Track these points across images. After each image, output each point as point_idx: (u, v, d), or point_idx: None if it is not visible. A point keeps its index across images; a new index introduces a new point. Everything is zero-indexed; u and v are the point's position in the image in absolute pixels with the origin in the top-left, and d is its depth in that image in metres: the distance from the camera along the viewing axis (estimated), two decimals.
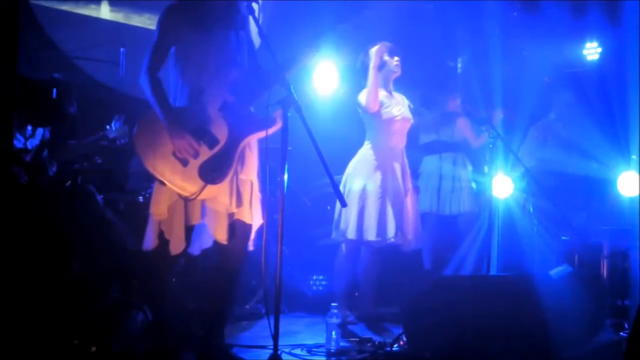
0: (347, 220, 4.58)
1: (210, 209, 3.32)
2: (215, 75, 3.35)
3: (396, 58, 4.73)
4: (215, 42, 3.36)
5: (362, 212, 4.53)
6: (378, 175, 4.59)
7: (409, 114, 4.80)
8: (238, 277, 3.56)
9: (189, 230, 3.34)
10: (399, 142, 4.74)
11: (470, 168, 5.51)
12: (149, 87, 3.26)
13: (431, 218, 5.44)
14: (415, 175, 5.59)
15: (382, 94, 4.71)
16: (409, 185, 4.78)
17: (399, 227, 4.57)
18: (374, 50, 4.62)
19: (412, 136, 5.68)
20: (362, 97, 4.66)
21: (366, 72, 4.64)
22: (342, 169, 4.85)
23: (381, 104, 4.66)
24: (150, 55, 3.31)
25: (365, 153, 4.70)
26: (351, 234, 4.54)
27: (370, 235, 4.51)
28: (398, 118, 4.69)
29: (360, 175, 4.61)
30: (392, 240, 4.56)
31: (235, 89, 3.39)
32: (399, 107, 4.75)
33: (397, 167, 4.68)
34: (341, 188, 4.58)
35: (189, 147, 3.21)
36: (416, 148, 5.62)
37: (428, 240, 5.44)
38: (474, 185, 5.46)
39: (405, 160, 4.79)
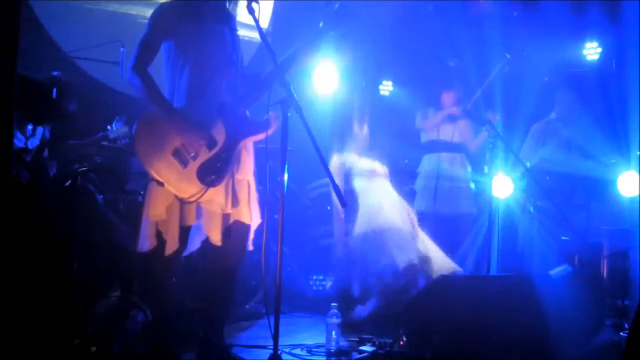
0: None
1: (206, 209, 3.32)
2: (214, 74, 3.34)
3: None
4: (211, 37, 3.35)
5: None
6: None
7: None
8: (236, 276, 3.55)
9: (185, 231, 3.32)
10: None
11: (469, 169, 5.50)
12: (143, 85, 3.22)
13: (427, 218, 5.44)
14: (414, 175, 5.59)
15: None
16: None
17: None
18: None
19: (415, 136, 5.71)
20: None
21: None
22: None
23: None
24: (139, 52, 3.27)
25: None
26: None
27: None
28: None
29: None
30: None
31: (232, 90, 3.39)
32: None
33: None
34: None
35: (200, 140, 3.21)
36: (417, 147, 5.63)
37: None
38: (472, 186, 5.45)
39: None
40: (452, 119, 5.51)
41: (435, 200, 5.39)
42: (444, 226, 5.41)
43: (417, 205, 5.48)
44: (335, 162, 4.89)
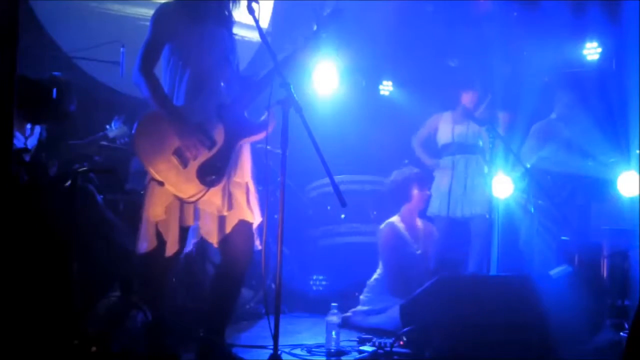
0: None
1: (204, 210, 3.31)
2: (212, 74, 3.34)
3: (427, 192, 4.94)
4: (210, 39, 3.35)
5: None
6: None
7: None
8: (245, 276, 3.54)
9: (184, 231, 3.32)
10: None
11: (486, 170, 5.46)
12: (148, 86, 3.22)
13: (441, 221, 5.46)
14: (431, 178, 5.58)
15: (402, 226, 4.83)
16: None
17: None
18: None
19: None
20: None
21: None
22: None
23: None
24: (144, 53, 3.28)
25: None
26: None
27: None
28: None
29: None
30: None
31: (230, 90, 3.39)
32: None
33: None
34: None
35: (198, 144, 3.21)
36: (434, 152, 5.63)
37: (436, 242, 5.47)
38: (488, 187, 5.42)
39: None
40: (464, 120, 5.49)
41: (449, 203, 5.41)
42: (457, 228, 5.46)
43: (431, 209, 5.50)
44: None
